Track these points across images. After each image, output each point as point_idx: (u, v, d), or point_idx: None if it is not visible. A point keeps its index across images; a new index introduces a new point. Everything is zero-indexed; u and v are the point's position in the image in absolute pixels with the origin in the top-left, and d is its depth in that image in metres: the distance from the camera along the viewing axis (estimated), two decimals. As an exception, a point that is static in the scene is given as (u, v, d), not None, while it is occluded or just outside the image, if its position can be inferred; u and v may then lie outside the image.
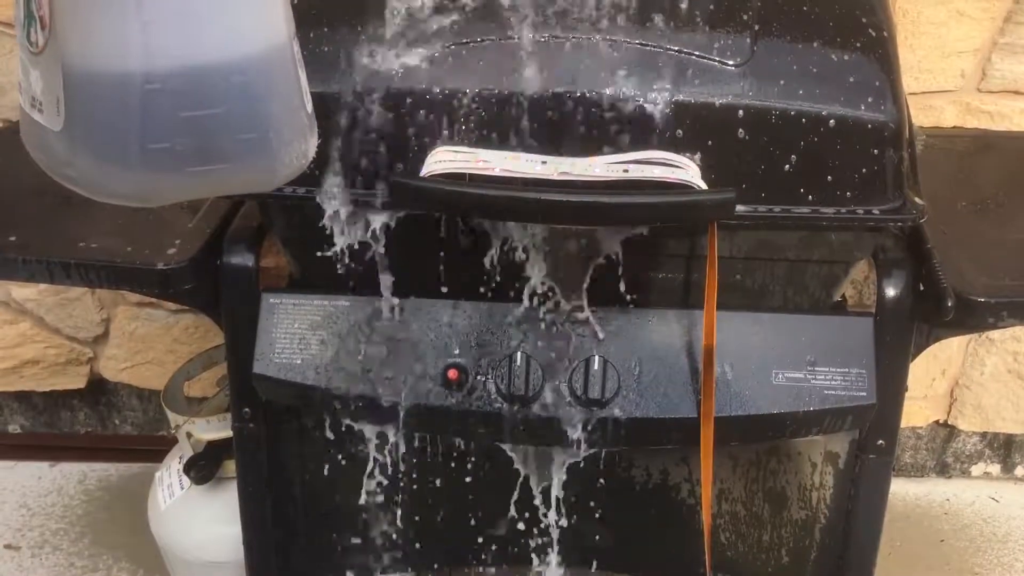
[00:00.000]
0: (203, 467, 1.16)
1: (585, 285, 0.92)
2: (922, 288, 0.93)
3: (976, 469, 1.79)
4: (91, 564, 1.60)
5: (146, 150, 0.60)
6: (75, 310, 1.65)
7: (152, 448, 1.67)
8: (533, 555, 1.08)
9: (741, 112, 0.83)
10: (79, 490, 1.74)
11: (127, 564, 1.59)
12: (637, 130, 0.83)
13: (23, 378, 1.72)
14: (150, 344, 1.68)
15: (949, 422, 1.73)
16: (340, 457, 1.04)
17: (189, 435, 1.18)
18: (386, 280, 0.94)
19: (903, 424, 1.71)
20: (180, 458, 1.21)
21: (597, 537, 1.08)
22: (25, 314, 1.65)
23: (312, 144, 0.69)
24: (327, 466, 1.05)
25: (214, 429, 1.16)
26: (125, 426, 1.82)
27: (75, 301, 1.64)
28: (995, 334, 1.62)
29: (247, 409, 1.02)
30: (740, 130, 0.83)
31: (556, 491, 1.03)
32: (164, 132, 0.60)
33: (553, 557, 1.08)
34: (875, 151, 0.85)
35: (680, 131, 0.83)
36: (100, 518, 1.68)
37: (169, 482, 1.24)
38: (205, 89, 0.60)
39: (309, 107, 0.69)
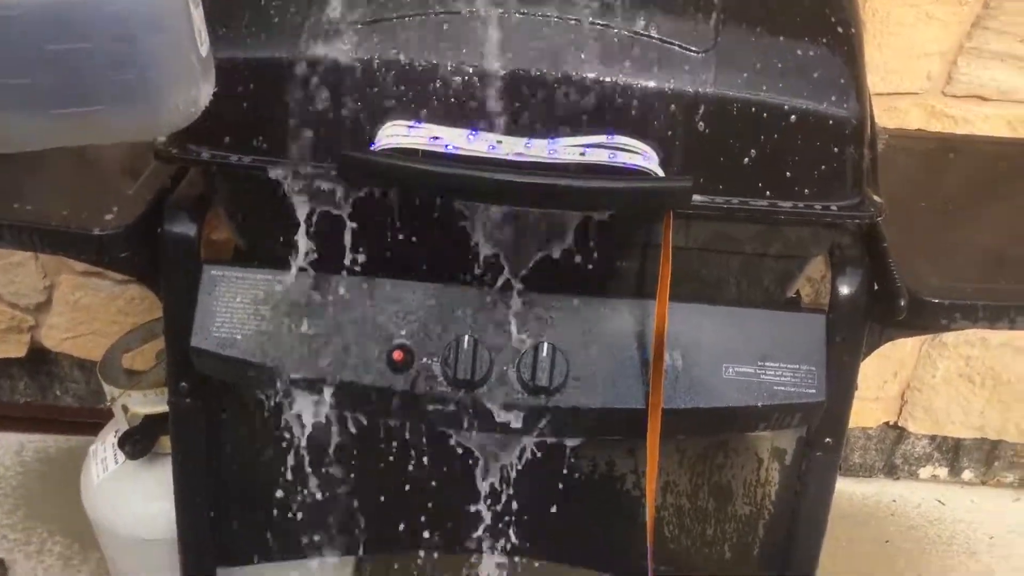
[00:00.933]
0: (138, 442, 1.13)
1: (536, 270, 0.90)
2: (876, 287, 0.92)
3: (924, 472, 1.81)
4: (24, 537, 1.56)
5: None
6: (17, 276, 1.61)
7: (93, 421, 1.62)
8: (473, 543, 1.06)
9: (701, 100, 0.81)
10: (15, 461, 1.69)
11: (61, 538, 1.55)
12: (595, 113, 0.81)
13: (-39, 344, 1.68)
14: (94, 314, 1.64)
15: (899, 424, 1.74)
16: (279, 435, 1.01)
17: (125, 408, 1.14)
18: (333, 257, 0.92)
19: (853, 424, 1.73)
20: (116, 432, 1.18)
21: (540, 527, 1.06)
22: (-36, 278, 1.61)
23: (205, 91, 0.64)
24: (265, 444, 1.02)
25: (151, 403, 1.13)
26: (66, 397, 1.77)
27: (18, 266, 1.60)
28: (948, 338, 1.62)
29: (184, 384, 0.99)
30: (700, 118, 0.81)
31: (499, 479, 1.01)
32: (21, 66, 0.54)
33: (493, 545, 1.06)
34: (835, 147, 0.84)
35: (639, 116, 0.81)
36: (36, 490, 1.64)
37: (104, 456, 1.20)
38: (71, 19, 0.54)
39: (204, 49, 0.63)
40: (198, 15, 0.62)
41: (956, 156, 1.18)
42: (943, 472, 1.80)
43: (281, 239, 0.91)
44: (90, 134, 0.61)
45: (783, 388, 0.92)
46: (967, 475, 1.80)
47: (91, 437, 1.31)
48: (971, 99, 1.43)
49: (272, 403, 0.99)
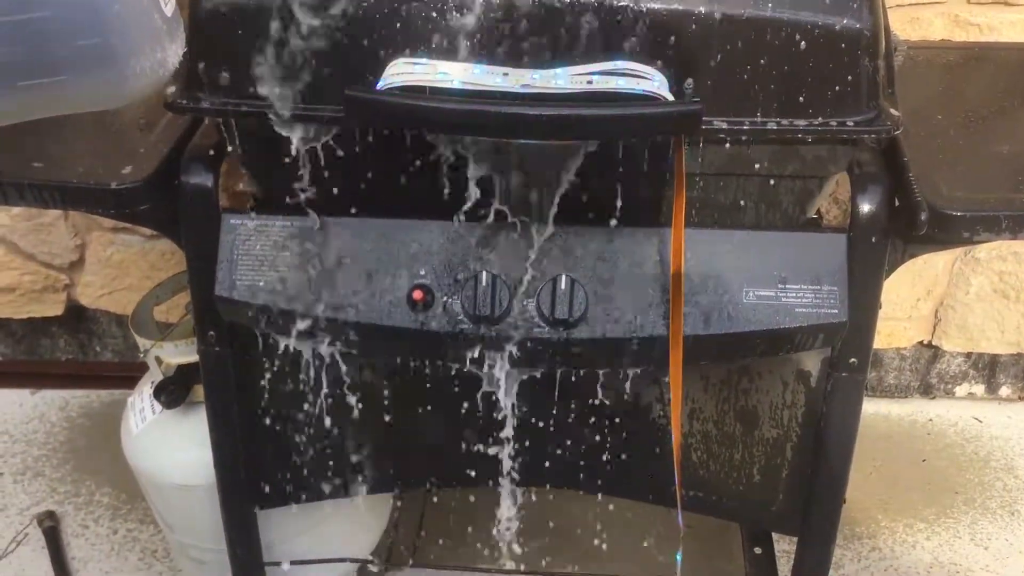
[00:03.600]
0: (173, 391, 1.15)
1: (549, 202, 0.90)
2: (897, 203, 0.90)
3: (960, 390, 1.79)
4: (73, 489, 1.60)
5: None
6: (49, 236, 1.63)
7: (133, 375, 1.65)
8: (501, 476, 1.08)
9: (710, 19, 0.80)
10: (61, 417, 1.74)
11: (109, 489, 1.60)
12: (602, 39, 0.80)
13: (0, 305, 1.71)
14: (126, 270, 1.66)
15: (933, 343, 1.72)
16: (307, 379, 1.03)
17: (159, 360, 1.17)
18: (348, 200, 0.92)
19: (887, 345, 1.72)
20: (151, 383, 1.20)
21: (569, 458, 1.07)
22: (-2, 240, 1.63)
23: (173, 51, 0.62)
24: (295, 388, 1.04)
25: (183, 353, 1.14)
26: (106, 353, 1.81)
27: (49, 226, 1.62)
28: (980, 253, 1.60)
29: (212, 332, 1.01)
30: (708, 38, 0.80)
31: (526, 413, 1.02)
32: None
33: (522, 478, 1.08)
34: (849, 61, 0.82)
35: (646, 40, 0.80)
36: (82, 444, 1.68)
37: (141, 407, 1.23)
38: None
39: (169, 8, 0.61)
40: None
41: (979, 65, 1.16)
42: (979, 389, 1.79)
43: (296, 185, 0.91)
44: (58, 104, 0.59)
45: (805, 309, 0.91)
46: (1004, 391, 1.79)
47: (132, 390, 1.34)
48: (996, 5, 1.39)
49: (298, 348, 1.00)
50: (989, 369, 1.76)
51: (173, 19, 0.62)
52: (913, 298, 1.65)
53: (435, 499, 1.46)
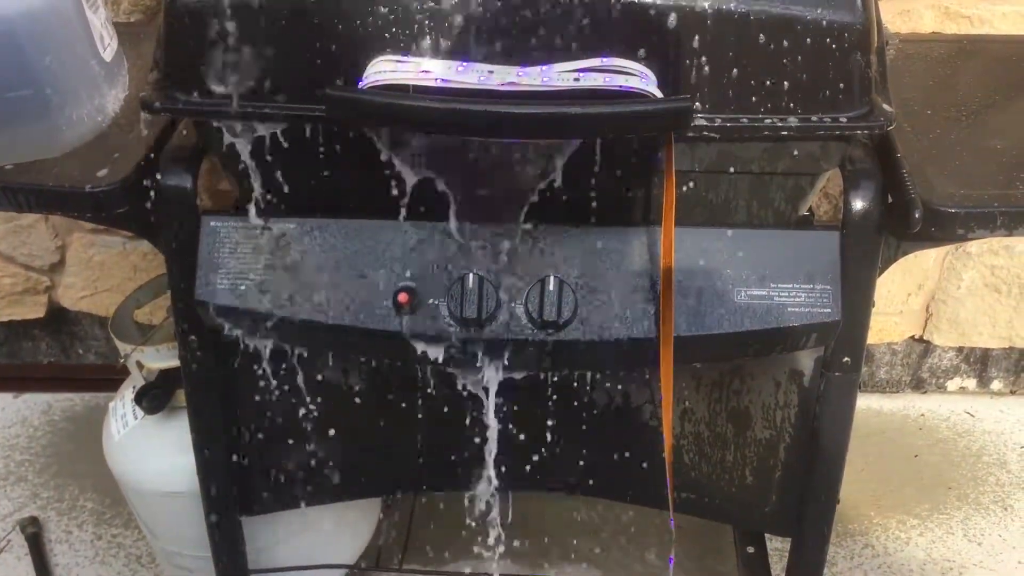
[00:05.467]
0: (154, 397, 1.13)
1: (537, 202, 0.88)
2: (890, 200, 0.89)
3: (952, 384, 1.78)
4: (56, 495, 1.58)
5: None
6: (29, 237, 1.61)
7: (117, 377, 1.62)
8: (489, 480, 1.06)
9: (699, 14, 0.78)
10: (44, 421, 1.71)
11: (93, 494, 1.57)
12: (589, 35, 0.78)
13: (-21, 308, 1.69)
14: (108, 271, 1.64)
15: (925, 337, 1.71)
16: (290, 384, 1.01)
17: (140, 364, 1.14)
18: (332, 201, 0.90)
19: (879, 340, 1.71)
20: (133, 388, 1.18)
21: (558, 461, 1.06)
22: (-23, 243, 1.61)
23: (113, 96, 0.60)
24: (278, 393, 1.02)
25: (164, 357, 1.12)
26: (88, 355, 1.79)
27: (28, 228, 1.59)
28: (972, 247, 1.59)
29: (193, 337, 0.99)
30: (697, 34, 0.79)
31: (514, 416, 1.00)
32: None
33: (511, 482, 1.06)
34: (841, 56, 0.81)
35: (634, 35, 0.78)
36: (66, 449, 1.66)
37: (123, 412, 1.21)
38: None
39: (108, 53, 0.59)
40: (98, 19, 0.58)
41: (971, 59, 1.14)
42: (971, 384, 1.78)
43: (277, 185, 0.89)
44: None
45: (797, 309, 0.90)
46: (996, 385, 1.78)
47: (116, 393, 1.32)
48: (987, -3, 1.38)
49: (280, 351, 0.98)
50: (981, 363, 1.75)
51: (113, 63, 0.60)
52: (904, 292, 1.64)
53: (423, 500, 1.44)
